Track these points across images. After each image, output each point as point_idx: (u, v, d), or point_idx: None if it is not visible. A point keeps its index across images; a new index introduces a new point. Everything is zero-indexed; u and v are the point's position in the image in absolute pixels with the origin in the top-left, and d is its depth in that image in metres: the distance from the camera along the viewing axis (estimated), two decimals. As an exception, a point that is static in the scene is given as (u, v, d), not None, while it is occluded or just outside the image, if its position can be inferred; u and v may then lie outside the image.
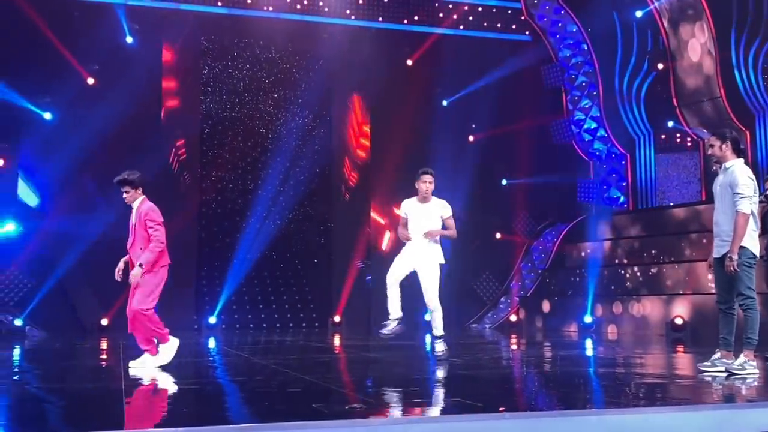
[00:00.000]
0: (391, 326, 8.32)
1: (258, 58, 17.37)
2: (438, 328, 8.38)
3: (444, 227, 8.42)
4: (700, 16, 15.98)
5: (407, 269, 8.33)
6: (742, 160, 6.89)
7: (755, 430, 4.68)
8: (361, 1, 17.83)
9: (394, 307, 8.31)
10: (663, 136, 17.37)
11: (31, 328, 14.59)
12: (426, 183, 8.34)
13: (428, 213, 8.37)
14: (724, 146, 6.87)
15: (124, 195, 7.71)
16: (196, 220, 16.68)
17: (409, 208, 8.47)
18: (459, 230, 8.66)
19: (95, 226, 15.75)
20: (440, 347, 8.36)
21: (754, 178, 6.83)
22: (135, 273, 7.28)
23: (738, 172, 6.75)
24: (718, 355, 6.89)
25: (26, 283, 15.19)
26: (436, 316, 8.38)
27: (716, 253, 6.85)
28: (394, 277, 8.30)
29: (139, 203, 7.65)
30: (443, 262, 8.39)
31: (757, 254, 6.77)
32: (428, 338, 8.49)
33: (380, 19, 17.97)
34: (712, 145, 6.96)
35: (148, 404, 5.89)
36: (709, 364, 6.93)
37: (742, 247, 6.63)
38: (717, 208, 6.93)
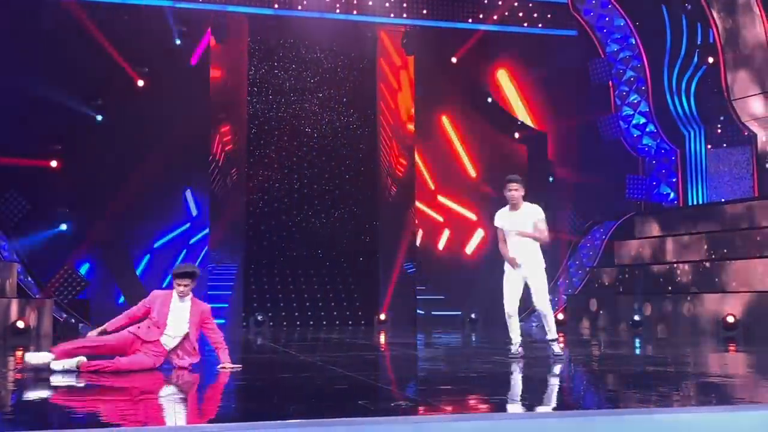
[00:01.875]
0: (515, 350, 8.29)
1: (303, 58, 17.53)
2: (551, 331, 8.30)
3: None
4: (752, 7, 15.61)
5: (519, 289, 8.28)
6: None
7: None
8: (404, 0, 17.85)
9: (515, 334, 8.30)
10: (714, 131, 17.02)
11: (85, 326, 14.94)
12: (512, 191, 8.17)
13: (520, 221, 8.22)
14: None
15: (182, 288, 7.30)
16: (244, 219, 16.91)
17: (501, 219, 8.32)
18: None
19: (147, 225, 16.12)
20: (557, 348, 8.31)
21: None
22: (233, 367, 7.27)
23: None
24: None
25: (80, 281, 15.55)
26: (548, 319, 8.32)
27: None
28: (512, 307, 8.24)
29: (192, 298, 7.39)
30: (545, 266, 8.37)
31: None
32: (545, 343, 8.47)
33: (425, 16, 17.97)
34: None
35: (198, 401, 6.00)
36: None
37: None
38: None
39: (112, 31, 15.88)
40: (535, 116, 18.62)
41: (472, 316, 16.89)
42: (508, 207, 8.30)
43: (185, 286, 7.33)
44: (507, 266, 8.27)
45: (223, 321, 15.07)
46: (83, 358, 7.02)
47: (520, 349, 8.28)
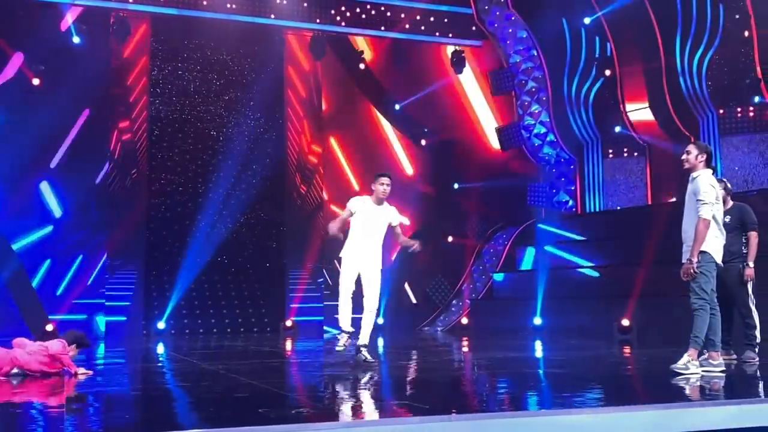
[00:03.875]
0: (344, 341, 8.25)
1: (209, 59, 17.19)
2: (365, 336, 8.27)
3: (399, 234, 8.59)
4: (647, 23, 16.33)
5: (355, 275, 8.29)
6: (709, 171, 7.06)
7: (694, 429, 4.77)
8: (313, 5, 17.79)
9: (347, 321, 8.23)
10: (610, 141, 17.69)
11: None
12: (384, 185, 8.31)
13: (381, 216, 8.36)
14: (699, 156, 7.06)
15: None
16: (145, 223, 16.41)
17: (360, 205, 8.34)
18: (411, 233, 8.67)
19: (39, 228, 15.45)
20: (367, 355, 8.21)
21: (716, 185, 7.04)
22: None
23: (701, 180, 6.96)
24: (705, 356, 7.00)
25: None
26: (370, 321, 8.29)
27: (683, 258, 6.99)
28: (347, 287, 8.22)
29: None
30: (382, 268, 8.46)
31: (717, 260, 6.91)
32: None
33: (333, 22, 17.95)
34: (688, 152, 7.11)
35: (90, 411, 5.79)
36: (696, 363, 6.87)
37: (702, 252, 6.80)
38: (684, 216, 7.09)
39: (6, 27, 15.19)
40: (441, 124, 18.87)
41: (379, 321, 16.97)
42: (371, 199, 8.37)
43: None
44: (348, 260, 8.26)
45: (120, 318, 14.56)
46: None
47: (349, 341, 8.26)
